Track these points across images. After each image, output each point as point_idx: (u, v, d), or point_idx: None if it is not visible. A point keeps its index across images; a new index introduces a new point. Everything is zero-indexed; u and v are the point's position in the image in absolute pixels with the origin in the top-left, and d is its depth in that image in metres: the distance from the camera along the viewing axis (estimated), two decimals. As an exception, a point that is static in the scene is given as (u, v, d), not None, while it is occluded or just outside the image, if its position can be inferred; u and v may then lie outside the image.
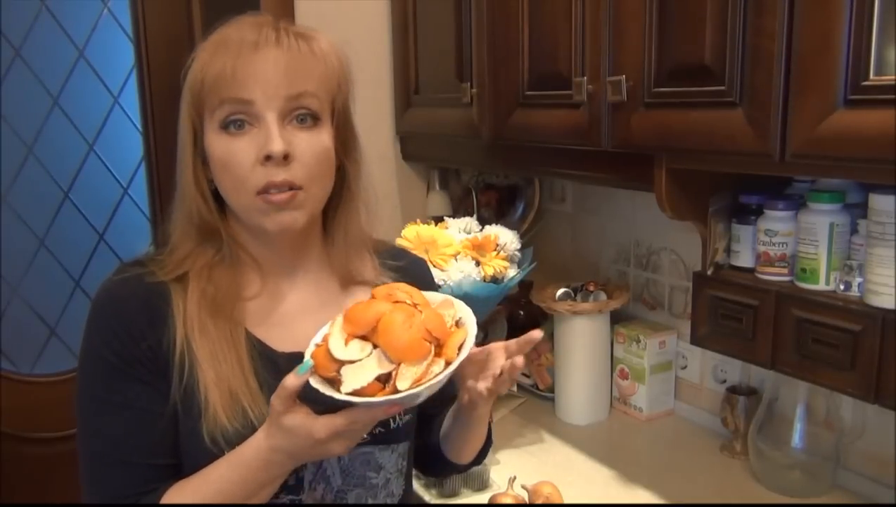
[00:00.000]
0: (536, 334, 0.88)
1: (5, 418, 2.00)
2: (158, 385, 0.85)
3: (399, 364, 0.74)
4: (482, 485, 1.37)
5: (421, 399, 0.78)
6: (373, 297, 0.81)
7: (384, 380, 0.74)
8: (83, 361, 0.87)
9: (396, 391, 0.73)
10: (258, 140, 0.83)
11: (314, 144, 0.86)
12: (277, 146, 0.82)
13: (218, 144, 0.84)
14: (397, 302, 0.79)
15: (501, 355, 0.88)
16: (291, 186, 0.84)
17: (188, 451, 0.85)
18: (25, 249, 2.09)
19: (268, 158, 0.82)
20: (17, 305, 2.09)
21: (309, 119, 0.85)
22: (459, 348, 0.78)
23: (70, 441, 2.09)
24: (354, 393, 0.73)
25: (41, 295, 2.12)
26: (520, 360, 0.86)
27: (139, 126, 2.10)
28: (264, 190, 0.83)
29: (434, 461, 1.08)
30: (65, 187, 2.12)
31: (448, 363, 0.77)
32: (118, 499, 0.84)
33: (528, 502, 1.23)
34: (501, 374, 0.87)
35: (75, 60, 2.08)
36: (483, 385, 0.88)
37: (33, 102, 2.05)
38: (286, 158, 0.83)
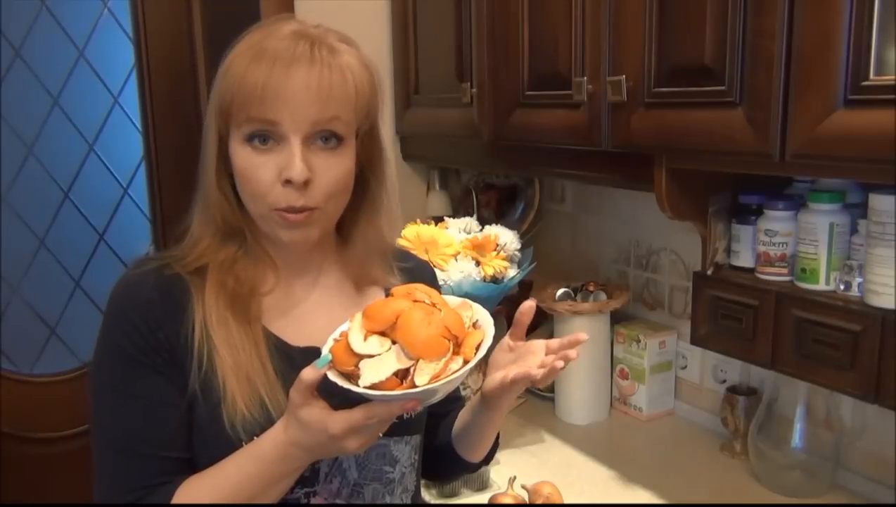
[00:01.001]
0: (582, 335, 0.87)
1: (5, 418, 2.00)
2: (174, 377, 0.85)
3: (418, 360, 0.75)
4: (482, 485, 1.37)
5: (438, 396, 0.78)
6: (391, 295, 0.82)
7: (402, 376, 0.75)
8: (100, 352, 0.88)
9: (414, 387, 0.74)
10: (280, 160, 0.83)
11: (335, 166, 0.86)
12: (299, 174, 0.82)
13: (241, 155, 0.85)
14: (416, 301, 0.80)
15: (541, 351, 0.88)
16: (309, 208, 0.85)
17: (206, 440, 0.86)
18: (25, 250, 2.09)
19: (288, 181, 0.83)
20: (17, 305, 2.09)
21: (333, 140, 0.86)
22: (477, 348, 0.79)
23: (70, 441, 2.10)
24: (372, 387, 0.74)
25: (41, 295, 2.12)
26: (560, 363, 0.84)
27: (139, 126, 2.10)
28: (282, 209, 0.84)
29: (444, 462, 1.08)
30: (65, 187, 2.12)
31: (466, 362, 0.77)
32: (129, 490, 0.84)
33: (528, 502, 1.23)
34: (539, 374, 0.85)
35: (75, 60, 2.07)
36: (514, 372, 0.86)
37: (33, 102, 2.05)
38: (306, 183, 0.83)
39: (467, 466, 1.07)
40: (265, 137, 0.83)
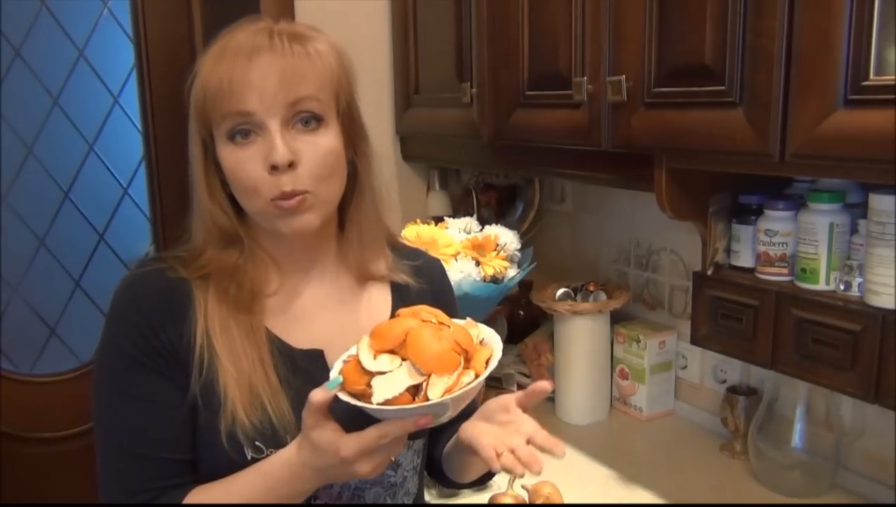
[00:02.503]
0: (559, 450, 0.83)
1: (5, 418, 2.00)
2: (177, 379, 0.85)
3: (429, 376, 0.75)
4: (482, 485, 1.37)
5: (450, 412, 0.78)
6: (397, 315, 0.81)
7: (413, 393, 0.75)
8: (102, 352, 0.88)
9: (428, 401, 0.74)
10: (263, 149, 0.83)
11: (319, 146, 0.85)
12: (281, 157, 0.82)
13: (227, 154, 0.85)
14: (423, 321, 0.80)
15: (525, 433, 0.83)
16: (300, 192, 0.84)
17: (204, 446, 0.86)
18: (25, 250, 2.09)
19: (273, 167, 0.82)
20: (17, 305, 2.09)
21: (313, 121, 0.85)
22: (487, 363, 0.79)
23: (70, 441, 2.10)
24: (386, 404, 0.74)
25: (41, 295, 2.12)
26: (520, 470, 0.81)
27: (139, 126, 2.10)
28: (277, 198, 0.84)
29: (437, 475, 1.09)
30: (65, 187, 2.12)
31: (477, 376, 0.77)
32: (135, 493, 0.84)
33: (528, 502, 1.23)
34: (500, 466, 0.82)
35: (75, 60, 2.07)
36: (485, 447, 0.83)
37: (33, 102, 2.05)
38: (291, 165, 0.83)
39: (457, 485, 1.08)
40: (245, 131, 0.84)
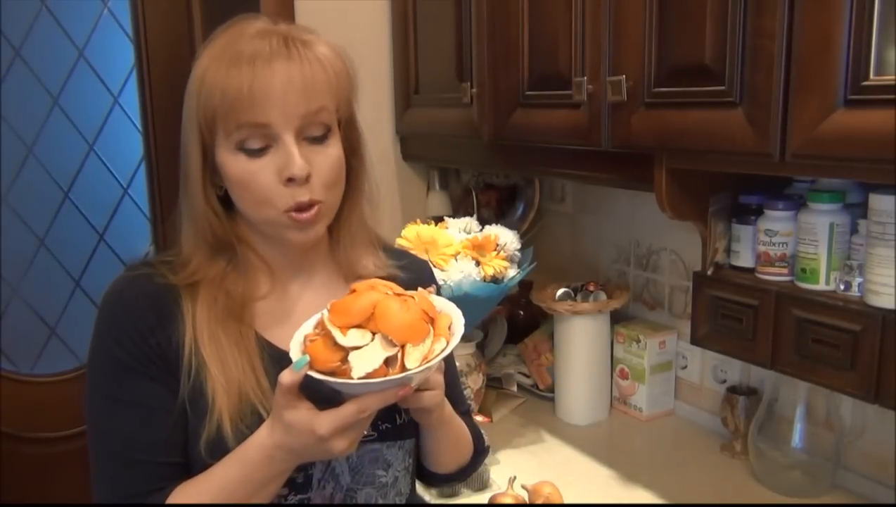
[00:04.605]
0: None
1: (5, 418, 2.00)
2: (168, 383, 0.85)
3: (403, 346, 0.75)
4: (482, 485, 1.37)
5: (419, 379, 0.79)
6: (354, 291, 0.81)
7: (388, 365, 0.75)
8: (93, 358, 0.87)
9: (406, 370, 0.75)
10: (277, 160, 0.83)
11: (329, 157, 0.86)
12: (300, 169, 0.82)
13: (235, 164, 0.84)
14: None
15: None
16: (316, 202, 0.85)
17: (194, 448, 0.85)
18: (25, 250, 2.09)
19: (290, 179, 0.82)
20: (17, 305, 2.09)
21: (321, 131, 0.86)
22: (449, 328, 0.81)
23: (70, 441, 2.11)
24: (367, 377, 0.74)
25: (41, 295, 2.12)
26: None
27: (139, 126, 2.10)
28: (292, 209, 0.84)
29: (421, 470, 1.07)
30: (65, 187, 2.12)
31: (448, 342, 0.79)
32: (128, 497, 0.84)
33: (528, 502, 1.23)
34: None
35: (75, 60, 2.07)
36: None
37: (33, 102, 2.05)
38: (307, 178, 0.83)
39: (437, 476, 1.06)
40: (256, 140, 0.83)
